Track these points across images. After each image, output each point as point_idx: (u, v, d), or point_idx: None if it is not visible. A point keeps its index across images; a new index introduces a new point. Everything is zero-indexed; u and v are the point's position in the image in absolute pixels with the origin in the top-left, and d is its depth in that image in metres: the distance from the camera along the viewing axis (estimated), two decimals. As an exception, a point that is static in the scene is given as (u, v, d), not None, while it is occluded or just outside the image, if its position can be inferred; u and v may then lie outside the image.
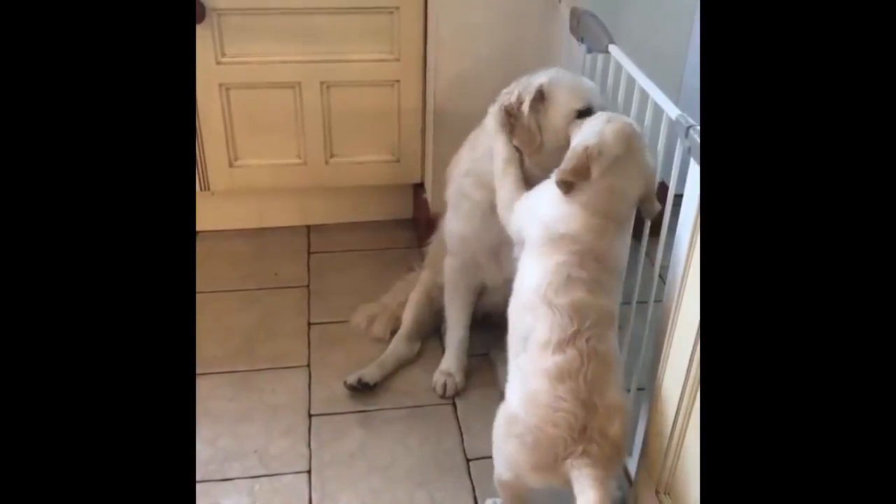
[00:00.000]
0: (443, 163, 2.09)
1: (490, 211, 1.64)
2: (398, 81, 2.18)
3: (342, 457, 1.71)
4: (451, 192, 1.83)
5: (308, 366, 1.95)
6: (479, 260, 1.82)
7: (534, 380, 1.31)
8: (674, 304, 1.34)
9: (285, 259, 2.32)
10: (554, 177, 1.38)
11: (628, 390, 1.63)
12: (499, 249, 1.69)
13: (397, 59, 2.15)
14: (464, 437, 1.77)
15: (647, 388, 1.49)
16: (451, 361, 1.90)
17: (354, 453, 1.72)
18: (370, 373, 1.87)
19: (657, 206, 1.43)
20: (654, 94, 1.44)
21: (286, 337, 2.03)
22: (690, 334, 1.28)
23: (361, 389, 1.85)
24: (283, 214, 2.44)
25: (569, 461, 1.25)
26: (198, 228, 2.35)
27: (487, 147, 1.64)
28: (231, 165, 2.25)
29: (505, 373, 1.47)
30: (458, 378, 1.88)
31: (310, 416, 1.81)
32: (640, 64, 1.53)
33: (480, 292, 1.90)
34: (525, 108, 1.54)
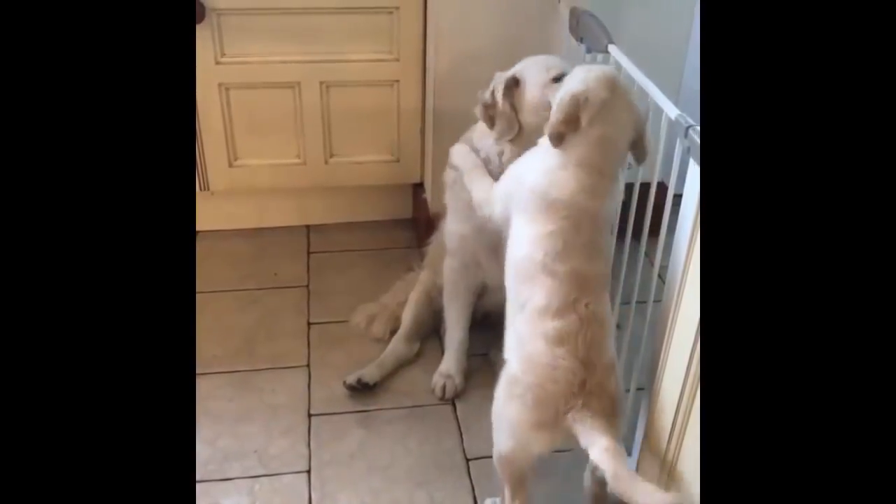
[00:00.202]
0: (442, 163, 2.09)
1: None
2: (398, 81, 2.18)
3: (342, 457, 1.71)
4: (447, 195, 1.85)
5: (308, 366, 1.95)
6: (478, 259, 1.82)
7: (532, 342, 1.33)
8: (673, 304, 1.34)
9: (285, 259, 2.32)
10: (546, 131, 1.38)
11: (627, 390, 1.64)
12: (498, 247, 1.70)
13: (397, 59, 2.15)
14: (463, 437, 1.77)
15: (647, 388, 1.49)
16: (450, 363, 1.90)
17: (354, 453, 1.72)
18: (370, 373, 1.88)
19: (648, 149, 1.43)
20: (654, 93, 1.44)
21: (286, 337, 2.03)
22: (690, 334, 1.28)
23: (361, 389, 1.85)
24: (282, 214, 2.44)
25: (570, 416, 1.27)
26: (197, 228, 2.35)
27: (477, 146, 1.70)
28: (230, 165, 2.25)
29: None
30: (458, 380, 1.88)
31: (309, 415, 1.81)
32: (640, 64, 1.53)
33: (480, 293, 1.90)
34: (498, 95, 1.61)
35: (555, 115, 1.37)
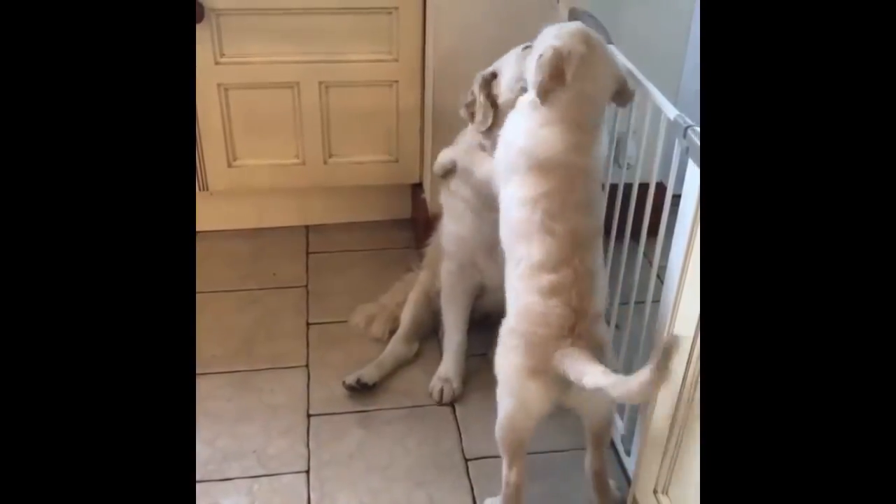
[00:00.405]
0: (442, 163, 2.10)
1: (480, 207, 1.70)
2: (397, 82, 2.18)
3: (341, 457, 1.71)
4: (443, 195, 1.86)
5: (307, 366, 1.95)
6: (476, 260, 1.82)
7: (526, 296, 1.39)
8: (672, 304, 1.34)
9: (284, 259, 2.32)
10: (531, 88, 1.42)
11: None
12: (495, 247, 1.70)
13: (396, 60, 2.15)
14: (462, 437, 1.77)
15: (646, 388, 1.49)
16: (448, 367, 1.89)
17: (353, 453, 1.72)
18: (369, 373, 1.88)
19: (632, 94, 1.48)
20: (653, 94, 1.44)
21: (285, 337, 2.03)
22: (689, 334, 1.28)
23: (360, 389, 1.85)
24: (281, 214, 2.44)
25: (558, 355, 1.32)
26: (196, 229, 2.35)
27: (470, 143, 1.73)
28: (230, 165, 2.25)
29: None
30: (456, 384, 1.87)
31: (308, 416, 1.81)
32: (638, 64, 1.53)
33: (479, 293, 1.90)
34: (475, 88, 1.67)
35: (539, 72, 1.39)
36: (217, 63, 2.08)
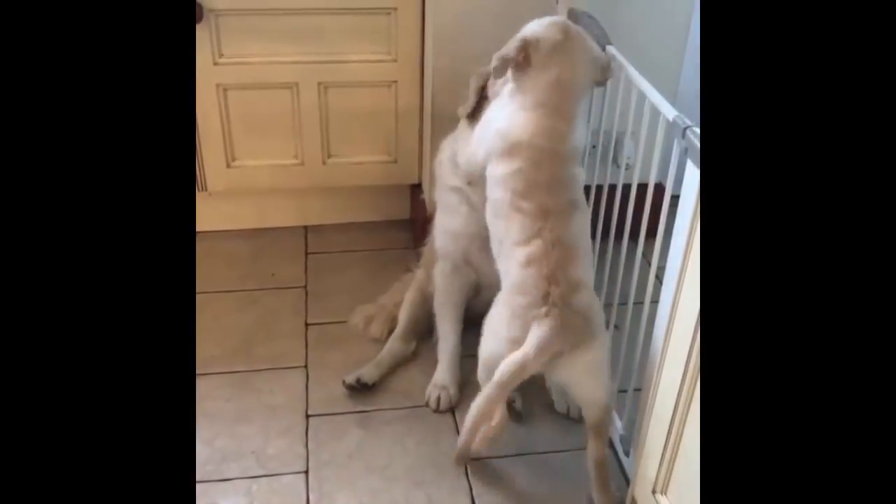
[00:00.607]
0: (440, 163, 2.10)
1: (474, 199, 1.74)
2: (395, 82, 2.18)
3: (340, 457, 1.71)
4: (436, 190, 1.88)
5: (306, 366, 1.95)
6: (469, 257, 1.83)
7: (510, 272, 1.47)
8: (671, 305, 1.34)
9: (283, 259, 2.32)
10: (495, 62, 1.50)
11: (625, 390, 1.64)
12: (487, 243, 1.70)
13: (395, 60, 2.15)
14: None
15: (644, 388, 1.49)
16: (444, 374, 1.87)
17: (352, 453, 1.72)
18: (368, 372, 1.88)
19: (612, 73, 1.56)
20: (651, 95, 1.44)
21: (284, 337, 2.03)
22: (688, 334, 1.28)
23: (360, 389, 1.85)
24: (280, 215, 2.44)
25: (534, 324, 1.38)
26: (196, 229, 2.35)
27: (464, 138, 1.74)
28: (229, 166, 2.25)
29: None
30: (453, 391, 1.85)
31: (307, 416, 1.81)
32: (637, 65, 1.54)
33: (475, 292, 1.90)
34: (471, 82, 1.70)
35: (504, 50, 1.49)
36: (216, 63, 2.08)
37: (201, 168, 2.23)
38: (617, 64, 1.58)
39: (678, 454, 1.37)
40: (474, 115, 1.70)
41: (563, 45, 1.48)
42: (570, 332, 1.38)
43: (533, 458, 1.72)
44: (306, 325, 2.08)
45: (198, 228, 2.36)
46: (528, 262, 1.43)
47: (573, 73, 1.48)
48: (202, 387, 1.84)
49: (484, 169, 1.56)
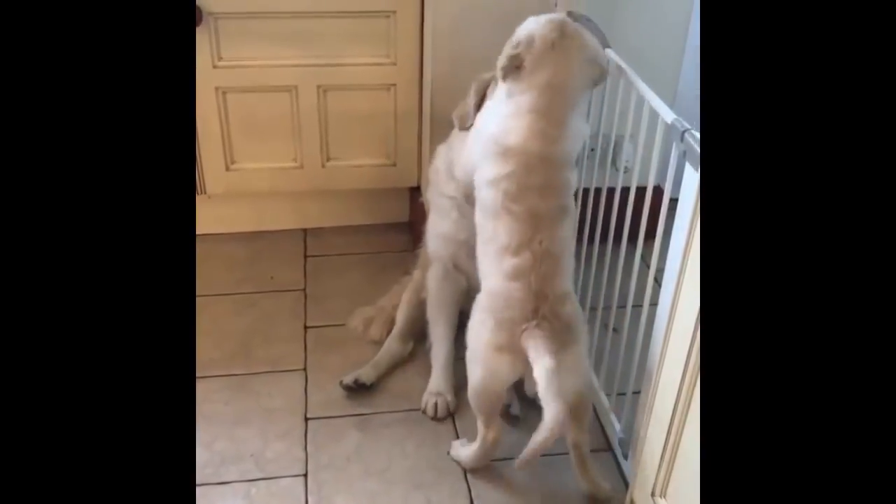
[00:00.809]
0: (439, 166, 2.09)
1: (465, 205, 1.73)
2: (394, 85, 2.19)
3: (339, 460, 1.71)
4: (430, 192, 1.89)
5: (304, 369, 1.95)
6: (460, 262, 1.83)
7: (493, 278, 1.48)
8: (669, 307, 1.34)
9: (282, 262, 2.32)
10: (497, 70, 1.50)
11: (624, 393, 1.64)
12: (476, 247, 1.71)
13: (394, 63, 2.15)
14: (460, 440, 1.77)
15: (643, 391, 1.49)
16: (439, 381, 1.85)
17: (351, 456, 1.72)
18: (366, 373, 1.88)
19: (604, 75, 1.55)
20: (650, 98, 1.44)
21: (283, 340, 2.03)
22: (686, 336, 1.29)
23: (358, 389, 1.85)
24: (279, 218, 2.44)
25: (524, 336, 1.41)
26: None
27: (458, 144, 1.75)
28: (228, 169, 2.25)
29: None
30: (450, 397, 1.83)
31: (306, 419, 1.81)
32: (636, 68, 1.54)
33: (467, 299, 1.89)
34: (471, 90, 1.70)
35: (501, 57, 1.49)
36: (215, 67, 2.08)
37: (200, 171, 2.23)
38: (615, 67, 1.58)
39: (677, 457, 1.37)
40: (466, 123, 1.70)
41: (558, 43, 1.46)
42: (556, 339, 1.42)
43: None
44: (305, 327, 2.08)
45: (197, 231, 2.36)
46: (516, 275, 1.44)
47: (568, 74, 1.47)
48: (201, 390, 1.84)
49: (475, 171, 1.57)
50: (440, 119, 2.09)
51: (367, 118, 2.22)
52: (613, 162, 1.88)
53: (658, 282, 1.41)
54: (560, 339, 1.43)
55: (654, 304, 1.44)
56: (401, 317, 2.01)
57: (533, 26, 1.50)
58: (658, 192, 1.46)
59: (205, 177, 2.24)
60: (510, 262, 1.45)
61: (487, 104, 1.59)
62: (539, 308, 1.42)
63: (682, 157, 1.28)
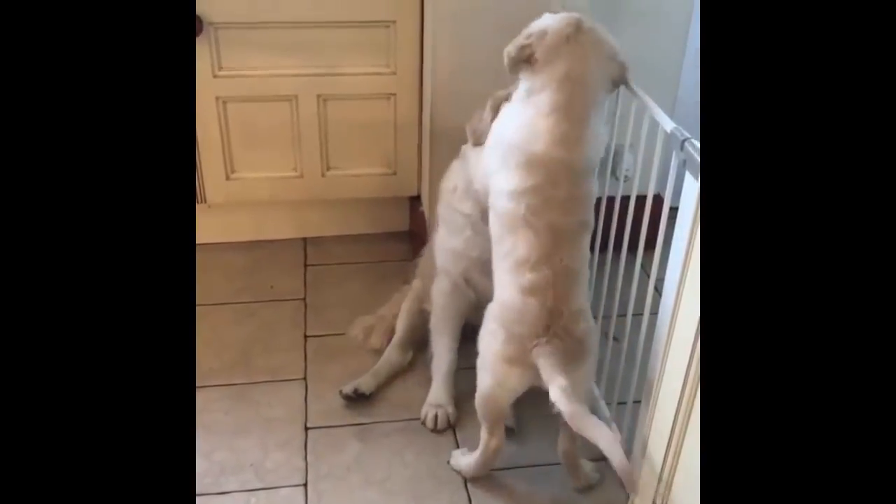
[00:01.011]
0: (439, 175, 2.09)
1: (480, 223, 1.69)
2: (394, 95, 2.19)
3: (339, 470, 1.71)
4: (442, 207, 1.86)
5: (305, 378, 1.94)
6: (472, 277, 1.81)
7: (508, 290, 1.45)
8: (670, 316, 1.34)
9: (282, 272, 2.32)
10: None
11: (625, 402, 1.64)
12: (489, 265, 1.70)
13: (394, 73, 2.16)
14: (460, 449, 1.77)
15: (644, 400, 1.49)
16: (439, 392, 1.84)
17: (351, 466, 1.72)
18: (365, 382, 1.87)
19: (624, 78, 1.50)
20: (650, 106, 1.45)
21: (283, 350, 2.03)
22: (687, 345, 1.28)
23: (357, 399, 1.85)
24: (279, 227, 2.44)
25: (535, 352, 1.39)
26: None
27: (473, 161, 1.70)
28: (228, 178, 2.25)
29: None
30: (450, 409, 1.82)
31: (306, 428, 1.80)
32: (636, 78, 1.54)
33: (474, 311, 1.88)
34: (487, 107, 1.63)
35: (510, 46, 1.47)
36: (215, 76, 2.09)
37: (201, 180, 2.23)
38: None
39: (678, 466, 1.37)
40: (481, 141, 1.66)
41: (573, 37, 1.42)
42: (567, 356, 1.41)
43: (532, 470, 1.71)
44: (305, 337, 2.08)
45: (197, 240, 2.36)
46: (533, 291, 1.41)
47: (585, 67, 1.42)
48: (200, 399, 1.84)
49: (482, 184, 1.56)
50: (440, 128, 2.09)
51: (367, 127, 2.23)
52: (614, 171, 1.89)
53: (658, 291, 1.41)
54: (571, 355, 1.41)
55: (654, 312, 1.43)
56: (400, 326, 2.00)
57: (548, 21, 1.47)
58: (658, 200, 1.46)
59: (205, 186, 2.24)
60: (528, 278, 1.41)
61: (504, 110, 1.55)
62: (551, 325, 1.40)
63: (682, 165, 1.29)
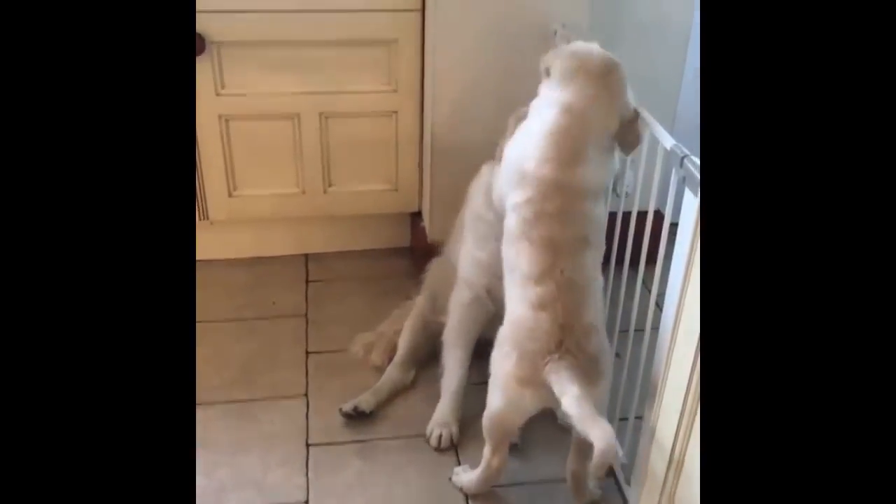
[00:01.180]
0: (440, 192, 2.11)
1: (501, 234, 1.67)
2: (396, 112, 2.20)
3: (340, 487, 1.70)
4: (467, 214, 1.84)
5: (306, 395, 1.94)
6: (492, 287, 1.77)
7: (518, 306, 1.45)
8: (671, 331, 1.34)
9: (283, 288, 2.32)
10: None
11: (626, 418, 1.63)
12: None
13: (395, 91, 2.17)
14: (462, 466, 1.76)
15: (646, 416, 1.49)
16: (446, 411, 1.82)
17: (352, 483, 1.71)
18: (366, 400, 1.86)
19: (638, 140, 1.50)
20: (650, 123, 1.45)
21: (284, 366, 2.03)
22: (688, 361, 1.28)
23: (357, 417, 1.84)
24: (281, 243, 2.45)
25: (547, 368, 1.38)
26: (196, 257, 2.35)
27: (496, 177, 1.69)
28: (230, 195, 2.26)
29: None
30: (455, 429, 1.80)
31: (307, 445, 1.80)
32: (635, 91, 1.55)
33: (490, 325, 1.86)
34: (510, 125, 1.62)
35: (548, 55, 1.53)
36: (218, 94, 2.10)
37: (203, 197, 2.24)
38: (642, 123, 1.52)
39: (680, 482, 1.36)
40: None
41: (577, 74, 1.46)
42: (581, 373, 1.38)
43: (534, 486, 1.70)
44: (307, 353, 2.08)
45: (198, 257, 2.36)
46: (542, 304, 1.41)
47: (587, 105, 1.45)
48: (201, 416, 1.84)
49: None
50: (441, 145, 2.10)
51: (368, 144, 2.24)
52: (614, 187, 1.89)
53: (659, 306, 1.41)
54: (585, 373, 1.38)
55: (655, 328, 1.43)
56: (403, 344, 1.99)
57: (589, 48, 1.51)
58: (658, 216, 1.46)
59: (207, 203, 2.25)
60: (534, 291, 1.42)
61: (519, 128, 1.57)
62: (563, 341, 1.39)
63: (682, 182, 1.29)
